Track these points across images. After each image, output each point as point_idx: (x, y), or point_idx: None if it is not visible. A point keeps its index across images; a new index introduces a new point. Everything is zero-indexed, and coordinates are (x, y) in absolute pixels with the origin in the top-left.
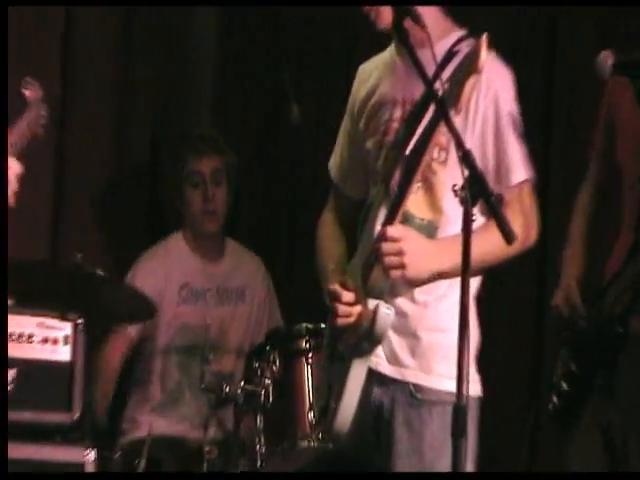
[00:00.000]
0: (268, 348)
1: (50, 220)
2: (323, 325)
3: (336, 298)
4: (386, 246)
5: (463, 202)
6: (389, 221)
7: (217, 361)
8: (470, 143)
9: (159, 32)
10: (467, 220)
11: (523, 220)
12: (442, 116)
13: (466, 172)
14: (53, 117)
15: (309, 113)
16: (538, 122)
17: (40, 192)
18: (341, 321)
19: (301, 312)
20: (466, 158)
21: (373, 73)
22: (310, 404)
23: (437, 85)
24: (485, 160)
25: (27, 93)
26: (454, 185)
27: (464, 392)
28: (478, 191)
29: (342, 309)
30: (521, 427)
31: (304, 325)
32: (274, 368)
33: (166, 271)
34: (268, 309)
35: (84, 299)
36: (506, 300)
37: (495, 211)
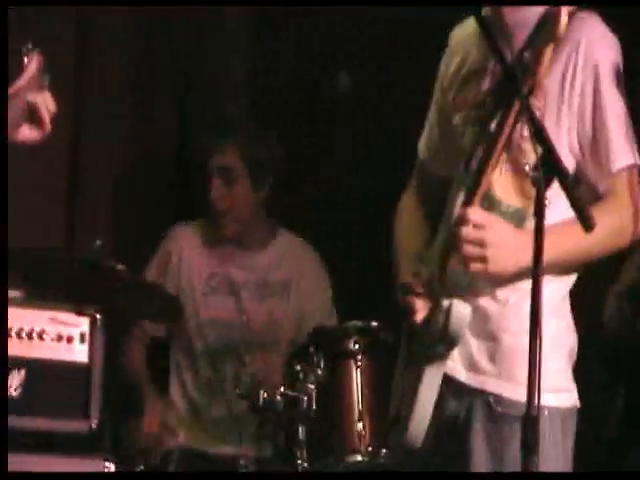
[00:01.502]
0: (312, 349)
1: (65, 207)
2: (375, 323)
3: (410, 291)
4: (466, 232)
5: (535, 184)
6: (468, 203)
7: (253, 363)
8: (568, 122)
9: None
10: (540, 205)
11: (633, 211)
12: (514, 88)
13: (539, 149)
14: (69, 100)
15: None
16: None
17: (55, 176)
18: (418, 317)
19: (356, 309)
20: (539, 134)
21: (465, 42)
22: (359, 413)
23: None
24: (584, 141)
25: (25, 60)
26: (525, 163)
27: (535, 400)
28: (552, 171)
29: (418, 303)
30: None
31: (352, 323)
32: (318, 372)
33: (189, 255)
34: (318, 305)
35: (101, 296)
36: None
37: (571, 194)
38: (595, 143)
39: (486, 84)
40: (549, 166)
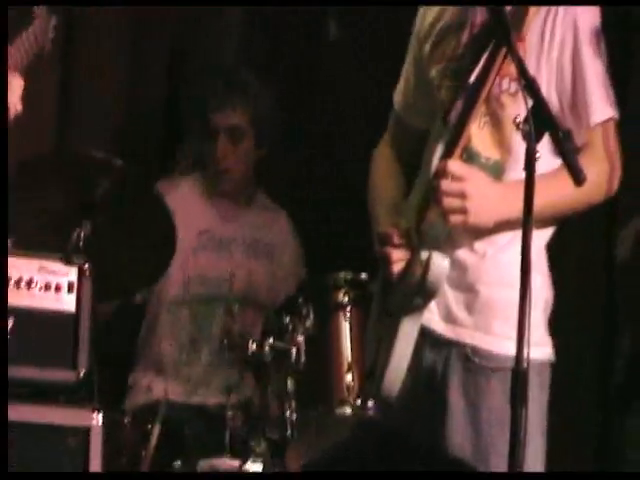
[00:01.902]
0: (301, 301)
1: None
2: (364, 275)
3: (387, 241)
4: (446, 184)
5: (526, 137)
6: (447, 156)
7: (241, 317)
8: (546, 74)
9: None
10: (530, 157)
11: (608, 166)
12: (503, 39)
13: (530, 102)
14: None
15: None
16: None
17: (43, 133)
18: (395, 267)
19: (334, 262)
20: (530, 86)
21: None
22: (348, 365)
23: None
24: (563, 94)
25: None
26: (516, 117)
27: (524, 355)
28: (543, 124)
29: (395, 254)
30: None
31: (342, 275)
32: (307, 323)
33: (182, 210)
34: (295, 272)
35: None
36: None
37: (563, 148)
38: (574, 96)
39: (464, 38)
40: (539, 119)
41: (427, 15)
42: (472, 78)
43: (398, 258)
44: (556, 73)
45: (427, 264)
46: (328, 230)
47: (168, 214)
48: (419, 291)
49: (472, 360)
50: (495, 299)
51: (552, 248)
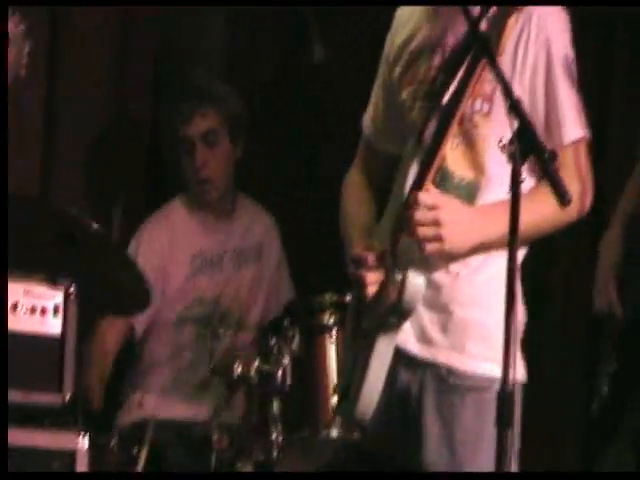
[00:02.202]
0: (286, 323)
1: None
2: (349, 297)
3: (361, 264)
4: (419, 215)
5: (511, 159)
6: (421, 179)
7: (230, 336)
8: (519, 94)
9: None
10: (515, 180)
11: (579, 186)
12: (487, 58)
13: (515, 124)
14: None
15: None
16: (595, 73)
17: (29, 148)
18: (369, 290)
19: (318, 283)
20: (515, 107)
21: (413, 16)
22: (334, 387)
23: (482, 25)
24: (535, 114)
25: (9, 27)
26: (500, 140)
27: (510, 376)
28: (529, 146)
29: (369, 276)
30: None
31: (327, 296)
32: (293, 346)
33: (171, 241)
34: (282, 275)
35: (76, 259)
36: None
37: (548, 169)
38: (547, 116)
39: (436, 60)
40: (525, 140)
41: (396, 38)
42: (446, 99)
43: (372, 280)
44: (529, 94)
45: (403, 283)
46: (314, 250)
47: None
48: (394, 311)
49: (447, 381)
50: (469, 319)
51: (537, 264)
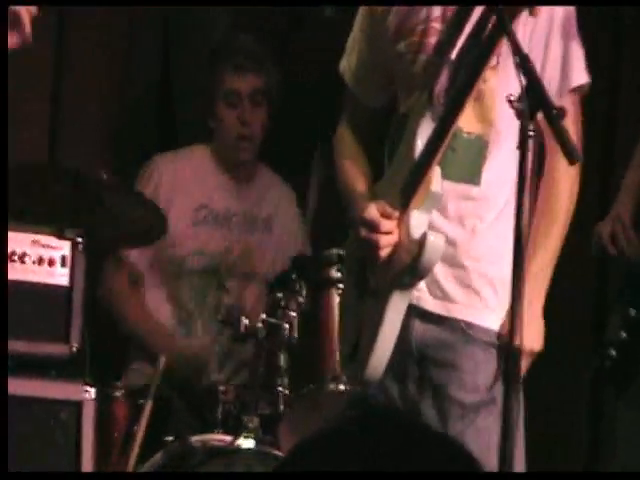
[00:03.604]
0: (294, 277)
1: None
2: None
3: (375, 228)
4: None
5: (519, 115)
6: (440, 137)
7: (236, 292)
8: (533, 41)
9: None
10: (524, 136)
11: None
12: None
13: (524, 80)
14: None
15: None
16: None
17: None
18: (383, 253)
19: (327, 239)
20: (524, 63)
21: None
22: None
23: None
24: (550, 60)
25: None
26: (509, 95)
27: (518, 331)
28: (537, 103)
29: (384, 240)
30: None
31: (335, 251)
32: (300, 299)
33: (183, 181)
34: (297, 241)
35: (86, 207)
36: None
37: (557, 127)
38: (563, 62)
39: (436, 11)
40: (533, 97)
41: None
42: (454, 53)
43: (386, 243)
44: (544, 45)
45: (422, 244)
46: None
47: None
48: (410, 271)
49: (467, 333)
50: (485, 274)
51: None
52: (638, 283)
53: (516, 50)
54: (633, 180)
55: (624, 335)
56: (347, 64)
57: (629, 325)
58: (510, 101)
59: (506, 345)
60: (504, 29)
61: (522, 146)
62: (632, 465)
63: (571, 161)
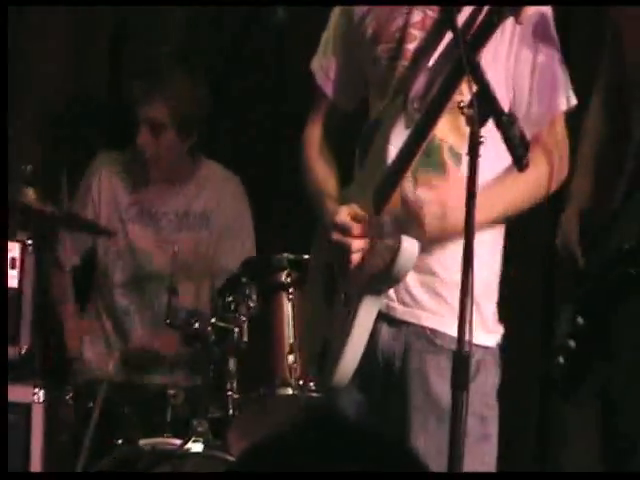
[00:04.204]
0: (244, 280)
1: None
2: (306, 256)
3: (347, 232)
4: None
5: (469, 121)
6: (417, 143)
7: (184, 293)
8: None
9: None
10: (474, 142)
11: (563, 154)
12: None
13: (474, 87)
14: None
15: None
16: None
17: None
18: (354, 258)
19: (280, 242)
20: (474, 71)
21: None
22: (291, 346)
23: None
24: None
25: None
26: (460, 102)
27: (466, 338)
28: (487, 109)
29: (355, 244)
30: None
31: (285, 255)
32: (250, 304)
33: (116, 179)
34: (238, 236)
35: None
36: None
37: (507, 134)
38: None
39: (415, 17)
40: (484, 104)
41: None
42: (432, 59)
43: (358, 248)
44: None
45: (396, 250)
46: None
47: None
48: (382, 278)
49: (433, 342)
50: (455, 282)
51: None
52: (587, 291)
53: (466, 59)
54: (578, 183)
55: (572, 344)
56: (319, 64)
57: (577, 334)
58: (460, 107)
59: (455, 352)
60: (451, 27)
61: (471, 152)
62: (583, 465)
63: (519, 169)
